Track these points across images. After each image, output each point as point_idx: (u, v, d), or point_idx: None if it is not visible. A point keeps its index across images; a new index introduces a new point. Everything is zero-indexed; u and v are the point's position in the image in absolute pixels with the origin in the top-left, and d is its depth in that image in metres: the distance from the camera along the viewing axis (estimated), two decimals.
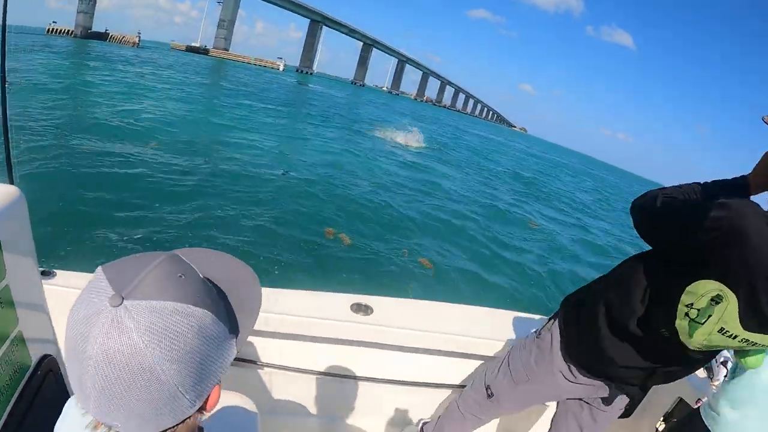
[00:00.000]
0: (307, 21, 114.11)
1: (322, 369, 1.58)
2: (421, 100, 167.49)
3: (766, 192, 0.97)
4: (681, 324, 0.89)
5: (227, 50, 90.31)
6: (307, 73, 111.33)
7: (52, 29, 58.81)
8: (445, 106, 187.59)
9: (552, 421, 1.36)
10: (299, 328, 1.48)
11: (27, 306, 0.86)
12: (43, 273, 1.32)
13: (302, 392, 1.60)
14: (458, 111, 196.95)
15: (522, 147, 57.86)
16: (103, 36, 65.77)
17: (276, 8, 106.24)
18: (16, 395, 0.80)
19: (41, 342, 0.91)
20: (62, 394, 0.92)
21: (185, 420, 0.42)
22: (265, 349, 1.55)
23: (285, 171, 9.11)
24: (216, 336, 0.42)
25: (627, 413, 1.23)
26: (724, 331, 0.83)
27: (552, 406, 1.44)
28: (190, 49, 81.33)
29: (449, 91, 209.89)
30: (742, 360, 0.98)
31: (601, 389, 1.15)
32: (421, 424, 1.64)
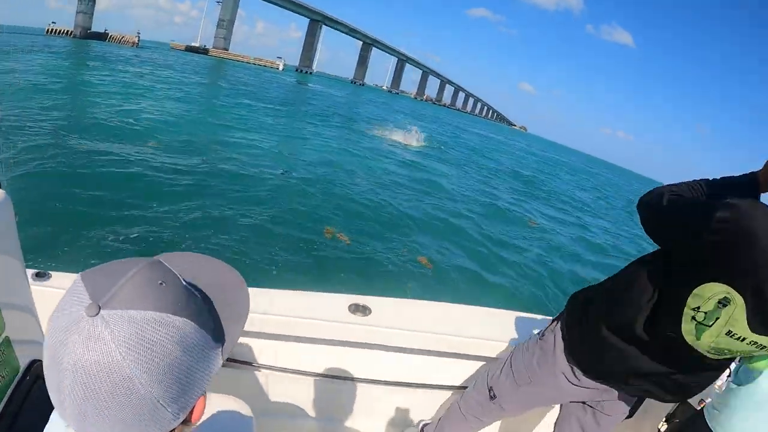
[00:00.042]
0: (306, 20, 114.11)
1: (319, 370, 1.56)
2: (421, 99, 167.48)
3: None
4: (688, 327, 0.87)
5: (227, 50, 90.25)
6: (306, 72, 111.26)
7: (52, 30, 58.85)
8: (444, 105, 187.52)
9: (555, 424, 1.34)
10: (296, 329, 1.46)
11: (14, 309, 0.84)
12: (37, 275, 1.31)
13: (299, 394, 1.58)
14: (458, 110, 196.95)
15: (522, 145, 57.83)
16: (102, 36, 65.77)
17: (275, 8, 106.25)
18: (4, 400, 0.79)
19: (30, 346, 0.89)
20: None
21: None
22: (262, 350, 1.54)
23: (284, 170, 9.09)
24: (198, 346, 0.41)
25: (629, 414, 1.22)
26: (732, 333, 0.82)
27: (555, 409, 1.42)
28: (190, 49, 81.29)
29: (449, 90, 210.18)
30: (751, 364, 0.96)
31: (605, 393, 1.13)
32: (421, 426, 1.63)
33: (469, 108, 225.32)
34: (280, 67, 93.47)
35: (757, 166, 0.98)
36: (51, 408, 0.42)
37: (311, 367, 1.55)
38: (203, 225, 5.27)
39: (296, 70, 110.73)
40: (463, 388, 1.65)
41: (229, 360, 1.52)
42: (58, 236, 4.22)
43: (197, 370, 0.41)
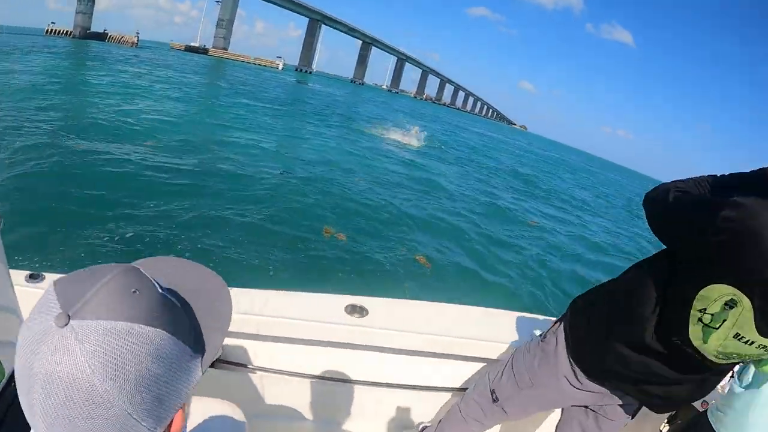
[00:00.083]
0: (306, 20, 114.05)
1: (316, 372, 1.54)
2: (421, 98, 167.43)
3: None
4: (694, 330, 0.84)
5: (226, 50, 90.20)
6: (306, 71, 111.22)
7: (51, 30, 58.88)
8: (444, 104, 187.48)
9: (556, 427, 1.32)
10: (291, 330, 1.44)
11: None
12: (31, 276, 1.30)
13: (296, 396, 1.56)
14: (458, 109, 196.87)
15: (522, 144, 57.79)
16: (101, 36, 65.76)
17: (275, 7, 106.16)
18: None
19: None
20: None
21: None
22: (257, 352, 1.52)
23: (282, 170, 9.07)
24: (174, 357, 0.39)
25: (631, 416, 1.20)
26: (740, 336, 0.79)
27: (556, 413, 1.40)
28: (189, 49, 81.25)
29: (449, 89, 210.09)
30: (761, 368, 0.94)
31: (607, 397, 1.10)
32: (420, 429, 1.61)
33: (468, 107, 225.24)
34: (280, 67, 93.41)
35: (756, 166, 0.94)
36: None
37: (307, 368, 1.53)
38: (200, 224, 5.24)
39: (296, 70, 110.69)
40: (462, 389, 1.63)
41: (224, 362, 1.50)
42: (55, 236, 4.20)
43: (174, 382, 0.39)
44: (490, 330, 1.62)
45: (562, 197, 17.07)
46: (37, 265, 3.59)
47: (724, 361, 0.87)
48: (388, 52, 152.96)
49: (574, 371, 1.11)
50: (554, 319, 1.80)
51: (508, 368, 1.29)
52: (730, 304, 0.78)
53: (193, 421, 0.79)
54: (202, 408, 0.84)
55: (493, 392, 1.31)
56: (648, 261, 1.03)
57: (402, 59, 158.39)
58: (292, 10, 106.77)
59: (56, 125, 8.75)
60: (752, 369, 1.07)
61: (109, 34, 67.31)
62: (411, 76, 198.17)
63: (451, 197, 10.51)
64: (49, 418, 0.35)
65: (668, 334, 0.91)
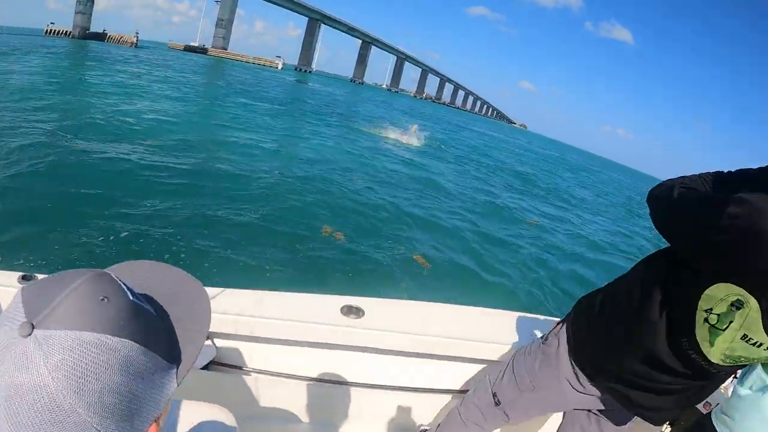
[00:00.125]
0: (305, 19, 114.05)
1: (312, 374, 1.53)
2: (421, 98, 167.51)
3: None
4: (701, 331, 0.82)
5: (225, 49, 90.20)
6: (305, 71, 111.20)
7: (51, 30, 58.94)
8: (444, 103, 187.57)
9: (557, 431, 1.29)
10: (286, 332, 1.43)
11: None
12: (24, 277, 1.29)
13: (291, 399, 1.54)
14: (458, 108, 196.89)
15: (522, 143, 57.76)
16: (100, 36, 65.78)
17: (274, 7, 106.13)
18: None
19: None
20: None
21: None
22: (252, 353, 1.50)
23: (281, 169, 9.05)
24: (144, 369, 0.37)
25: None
26: (748, 338, 0.77)
27: (557, 417, 1.37)
28: (189, 49, 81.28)
29: (449, 88, 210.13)
30: None
31: (609, 401, 1.08)
32: (420, 431, 1.59)
33: (468, 106, 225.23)
34: (279, 66, 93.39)
35: (757, 165, 0.91)
36: None
37: (303, 370, 1.52)
38: (197, 224, 5.22)
39: (295, 69, 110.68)
40: (461, 391, 1.61)
41: (218, 364, 1.49)
42: (50, 236, 4.18)
43: (145, 395, 0.38)
44: (489, 331, 1.60)
45: (562, 196, 17.04)
46: (31, 265, 3.58)
47: (730, 365, 0.85)
48: (387, 52, 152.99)
49: (576, 374, 1.08)
50: (554, 319, 1.79)
51: (508, 371, 1.27)
52: (737, 305, 0.76)
53: (183, 426, 0.77)
54: (191, 412, 0.82)
55: (494, 395, 1.29)
56: (645, 261, 1.01)
57: (402, 58, 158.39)
58: (291, 10, 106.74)
59: (53, 125, 8.73)
60: (757, 371, 1.05)
61: (108, 35, 67.33)
62: (411, 75, 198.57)
63: (450, 196, 10.49)
64: (11, 429, 0.33)
65: (674, 335, 0.88)
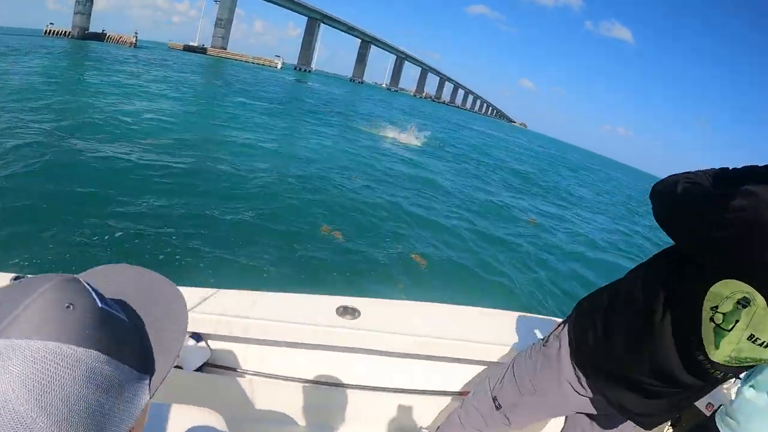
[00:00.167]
0: (305, 18, 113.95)
1: (306, 376, 1.51)
2: (421, 97, 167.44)
3: None
4: (706, 332, 0.79)
5: (225, 49, 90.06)
6: (305, 70, 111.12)
7: (50, 30, 58.83)
8: (444, 102, 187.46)
9: None
10: (281, 333, 1.41)
11: None
12: (16, 279, 1.27)
13: (286, 401, 1.52)
14: (458, 107, 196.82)
15: (522, 142, 57.73)
16: (100, 36, 65.66)
17: (274, 6, 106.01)
18: None
19: None
20: None
21: None
22: (246, 355, 1.49)
23: (279, 169, 9.02)
24: (112, 381, 0.35)
25: None
26: (755, 338, 0.74)
27: (558, 421, 1.34)
28: (188, 49, 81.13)
29: (448, 87, 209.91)
30: None
31: (606, 405, 1.05)
32: None
33: (468, 105, 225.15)
34: (279, 66, 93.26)
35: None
36: None
37: (298, 372, 1.50)
38: (194, 224, 5.19)
39: (295, 69, 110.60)
40: (460, 393, 1.59)
41: (212, 366, 1.47)
42: (44, 236, 4.16)
43: (113, 409, 0.36)
44: (488, 331, 1.58)
45: (561, 195, 17.03)
46: (26, 264, 3.56)
47: (736, 365, 0.82)
48: (387, 51, 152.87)
49: (577, 376, 1.06)
50: (554, 318, 1.77)
51: (509, 374, 1.24)
52: (743, 303, 0.73)
53: (172, 431, 0.75)
54: (181, 417, 0.80)
55: (494, 399, 1.26)
56: (646, 262, 0.98)
57: (401, 57, 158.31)
58: (291, 9, 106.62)
59: (50, 125, 8.72)
60: (765, 372, 1.02)
61: (107, 35, 67.22)
62: (410, 74, 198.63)
63: (448, 195, 10.47)
64: None
65: (678, 335, 0.85)
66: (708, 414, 1.37)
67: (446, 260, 6.10)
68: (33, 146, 6.94)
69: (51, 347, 0.32)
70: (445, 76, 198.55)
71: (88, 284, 0.38)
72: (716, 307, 0.76)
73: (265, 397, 1.50)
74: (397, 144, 17.96)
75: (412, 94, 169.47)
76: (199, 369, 1.43)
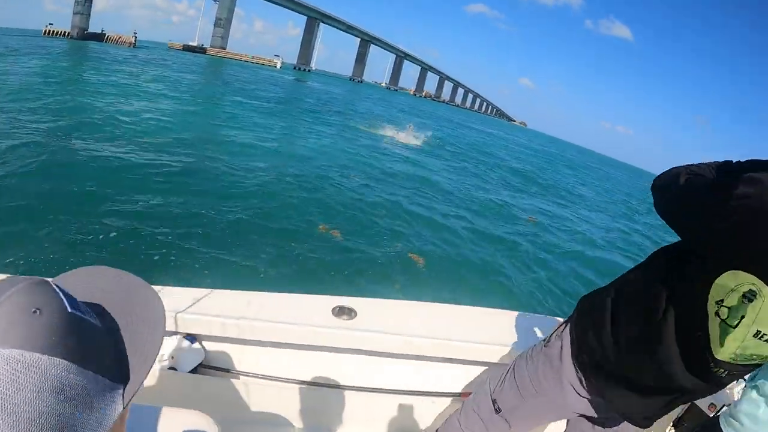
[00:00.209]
0: (304, 18, 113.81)
1: (302, 377, 1.49)
2: (420, 96, 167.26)
3: None
4: (712, 327, 0.77)
5: (224, 48, 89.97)
6: (304, 70, 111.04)
7: (49, 31, 58.73)
8: (444, 101, 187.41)
9: None
10: (276, 334, 1.39)
11: None
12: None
13: (282, 403, 1.51)
14: (457, 106, 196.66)
15: (522, 141, 57.69)
16: (99, 37, 65.57)
17: (273, 6, 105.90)
18: None
19: None
20: None
21: None
22: (241, 356, 1.47)
23: (278, 168, 9.01)
24: (80, 391, 0.33)
25: None
26: (761, 334, 0.71)
27: (559, 424, 1.31)
28: (188, 48, 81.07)
29: (448, 86, 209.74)
30: None
31: (606, 407, 1.03)
32: None
33: (468, 104, 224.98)
34: (278, 65, 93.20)
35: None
36: None
37: (294, 374, 1.48)
38: (191, 224, 5.18)
39: (294, 68, 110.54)
40: (459, 395, 1.57)
41: (206, 367, 1.45)
42: (39, 235, 4.14)
43: (82, 420, 0.33)
44: (487, 331, 1.56)
45: (560, 193, 17.02)
46: (22, 262, 3.54)
47: (742, 362, 0.79)
48: (386, 50, 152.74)
49: (579, 378, 1.03)
50: (555, 318, 1.75)
51: (509, 376, 1.21)
52: (749, 296, 0.70)
53: None
54: (171, 420, 0.79)
55: (494, 402, 1.22)
56: (646, 263, 0.96)
57: (401, 56, 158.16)
58: (290, 9, 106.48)
59: (48, 125, 8.71)
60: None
61: (106, 35, 67.13)
62: (410, 73, 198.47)
63: (447, 194, 10.46)
64: None
65: (681, 334, 0.83)
66: (710, 414, 1.35)
67: (445, 259, 6.08)
68: (30, 146, 6.93)
69: (16, 355, 0.30)
70: (444, 74, 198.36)
71: (58, 287, 0.36)
72: (721, 300, 0.74)
73: (261, 398, 1.48)
74: (396, 143, 17.93)
75: (411, 93, 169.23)
76: (194, 370, 1.41)
